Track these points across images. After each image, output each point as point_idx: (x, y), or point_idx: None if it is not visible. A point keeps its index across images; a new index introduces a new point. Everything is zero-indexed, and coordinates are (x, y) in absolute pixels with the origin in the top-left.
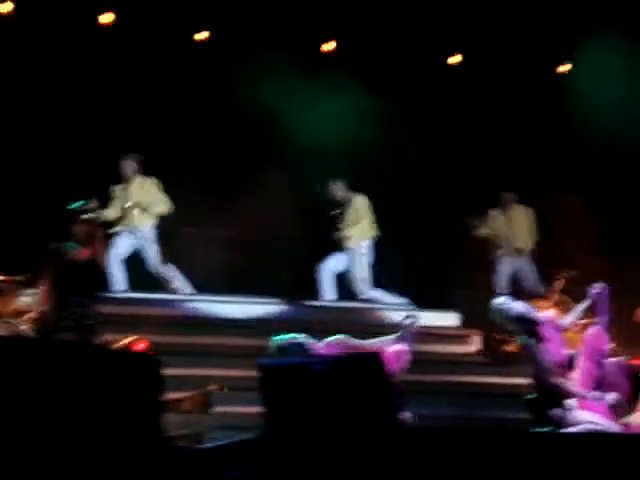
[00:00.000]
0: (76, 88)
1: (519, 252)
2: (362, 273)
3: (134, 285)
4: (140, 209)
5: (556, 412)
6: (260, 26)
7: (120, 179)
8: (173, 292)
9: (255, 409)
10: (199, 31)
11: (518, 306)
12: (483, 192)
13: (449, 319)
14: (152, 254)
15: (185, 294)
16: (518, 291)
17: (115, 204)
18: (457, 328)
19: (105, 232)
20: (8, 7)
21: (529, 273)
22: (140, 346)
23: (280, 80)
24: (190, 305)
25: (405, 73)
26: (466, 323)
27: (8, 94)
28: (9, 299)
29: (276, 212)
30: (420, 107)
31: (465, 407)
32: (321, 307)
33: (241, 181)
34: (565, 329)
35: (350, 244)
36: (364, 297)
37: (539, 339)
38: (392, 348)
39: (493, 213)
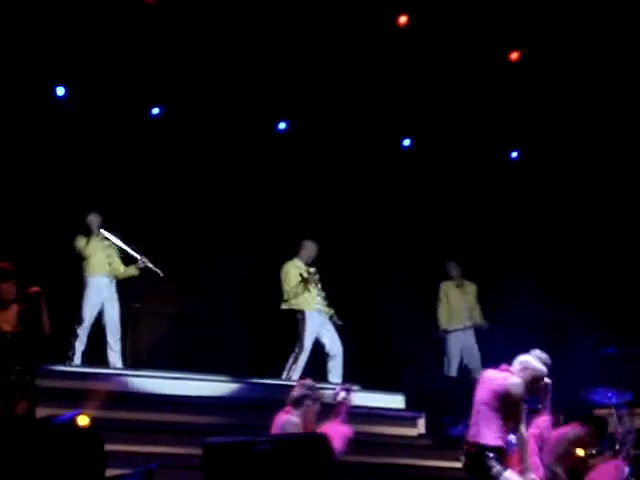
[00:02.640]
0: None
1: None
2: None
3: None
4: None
5: None
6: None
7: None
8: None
9: None
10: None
11: None
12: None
13: (395, 401)
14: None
15: (125, 369)
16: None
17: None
18: (402, 410)
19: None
20: None
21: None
22: (83, 422)
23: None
24: (132, 380)
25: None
26: (412, 405)
27: None
28: None
29: (225, 289)
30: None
31: None
32: (274, 386)
33: (190, 257)
34: None
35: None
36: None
37: None
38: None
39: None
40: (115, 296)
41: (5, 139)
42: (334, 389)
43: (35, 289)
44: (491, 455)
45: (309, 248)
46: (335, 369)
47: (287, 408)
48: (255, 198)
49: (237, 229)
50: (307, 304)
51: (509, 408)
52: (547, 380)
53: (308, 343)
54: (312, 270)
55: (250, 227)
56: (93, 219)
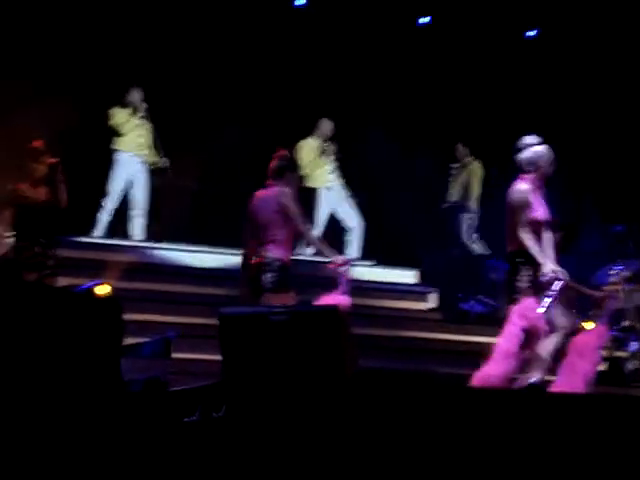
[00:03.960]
0: None
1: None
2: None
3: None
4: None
5: None
6: None
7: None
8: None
9: (214, 356)
10: None
11: None
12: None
13: (408, 276)
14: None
15: (147, 242)
16: None
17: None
18: (415, 285)
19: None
20: None
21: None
22: (102, 291)
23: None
24: (153, 252)
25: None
26: (426, 281)
27: None
28: None
29: (244, 167)
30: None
31: (418, 362)
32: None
33: (205, 132)
34: None
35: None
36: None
37: None
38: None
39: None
40: (144, 172)
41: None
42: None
43: (52, 160)
44: None
45: (324, 126)
46: (352, 243)
47: (269, 181)
48: (273, 76)
49: (254, 107)
50: (320, 181)
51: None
52: None
53: (321, 219)
54: (326, 144)
55: (268, 105)
56: (136, 95)
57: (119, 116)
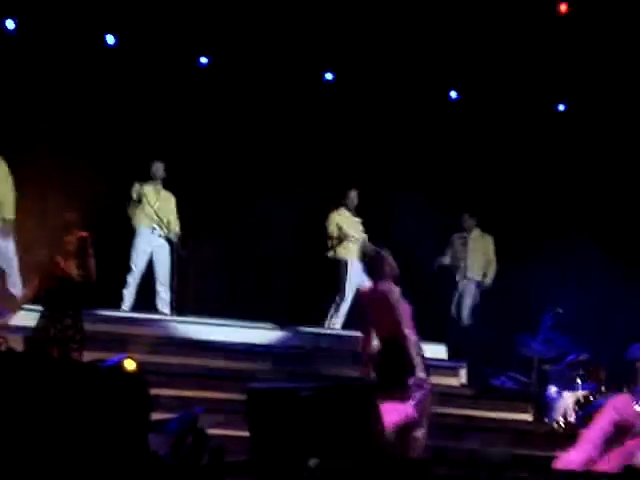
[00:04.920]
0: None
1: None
2: None
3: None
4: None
5: None
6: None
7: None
8: (160, 312)
9: (242, 432)
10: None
11: None
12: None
13: (438, 352)
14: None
15: (172, 315)
16: None
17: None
18: (445, 360)
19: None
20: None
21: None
22: (129, 366)
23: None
24: (179, 326)
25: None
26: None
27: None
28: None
29: (270, 235)
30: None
31: (448, 439)
32: (316, 334)
33: (239, 205)
34: None
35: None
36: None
37: None
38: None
39: (454, 238)
40: (165, 244)
41: (62, 87)
42: None
43: (83, 234)
44: None
45: (351, 197)
46: None
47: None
48: (306, 146)
49: (287, 177)
50: (348, 252)
51: None
52: None
53: (349, 292)
54: (356, 220)
55: (301, 175)
56: (157, 167)
57: (138, 190)
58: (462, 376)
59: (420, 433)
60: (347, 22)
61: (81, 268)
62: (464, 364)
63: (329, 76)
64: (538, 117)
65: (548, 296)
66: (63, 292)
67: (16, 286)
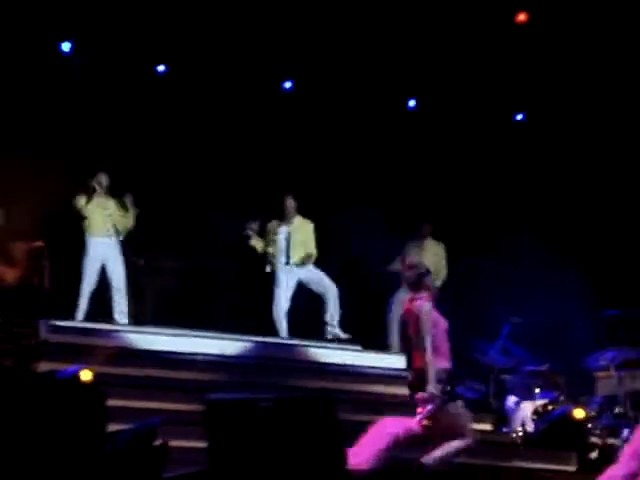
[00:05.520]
0: None
1: None
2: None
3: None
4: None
5: None
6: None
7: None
8: (116, 322)
9: (199, 444)
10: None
11: None
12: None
13: (395, 361)
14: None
15: (129, 325)
16: None
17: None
18: (403, 370)
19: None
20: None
21: None
22: (85, 377)
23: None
24: (136, 337)
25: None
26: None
27: None
28: None
29: (225, 246)
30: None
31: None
32: (274, 344)
33: (193, 214)
34: None
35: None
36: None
37: None
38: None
39: (409, 245)
40: (118, 255)
41: (11, 95)
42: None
43: (38, 244)
44: None
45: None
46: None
47: (409, 296)
48: (257, 155)
49: (234, 186)
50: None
51: None
52: None
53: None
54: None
55: (247, 185)
56: (102, 178)
57: (80, 200)
58: None
59: (436, 449)
60: (306, 31)
61: (29, 275)
62: None
63: (287, 85)
64: (496, 127)
65: (502, 303)
66: (6, 301)
67: None
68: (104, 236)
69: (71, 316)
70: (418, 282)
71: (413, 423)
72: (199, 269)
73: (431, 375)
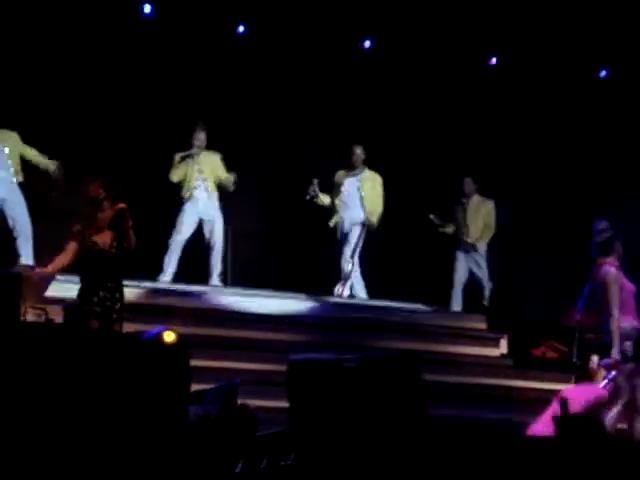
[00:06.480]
0: None
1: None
2: None
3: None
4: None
5: None
6: None
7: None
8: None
9: (282, 403)
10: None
11: None
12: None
13: (476, 321)
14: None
15: (215, 287)
16: None
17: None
18: (484, 330)
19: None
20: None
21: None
22: (169, 338)
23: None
24: (220, 298)
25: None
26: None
27: None
28: (41, 287)
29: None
30: None
31: (488, 410)
32: (354, 305)
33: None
34: None
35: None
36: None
37: None
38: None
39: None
40: (217, 214)
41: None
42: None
43: (121, 205)
44: None
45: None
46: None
47: (599, 260)
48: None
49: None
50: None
51: None
52: None
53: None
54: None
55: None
56: (201, 135)
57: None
58: (503, 346)
59: (612, 413)
60: None
61: (116, 240)
62: (504, 335)
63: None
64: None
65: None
66: (97, 264)
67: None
68: (205, 194)
69: (155, 277)
70: (609, 246)
71: (598, 389)
72: (277, 232)
73: (616, 341)
